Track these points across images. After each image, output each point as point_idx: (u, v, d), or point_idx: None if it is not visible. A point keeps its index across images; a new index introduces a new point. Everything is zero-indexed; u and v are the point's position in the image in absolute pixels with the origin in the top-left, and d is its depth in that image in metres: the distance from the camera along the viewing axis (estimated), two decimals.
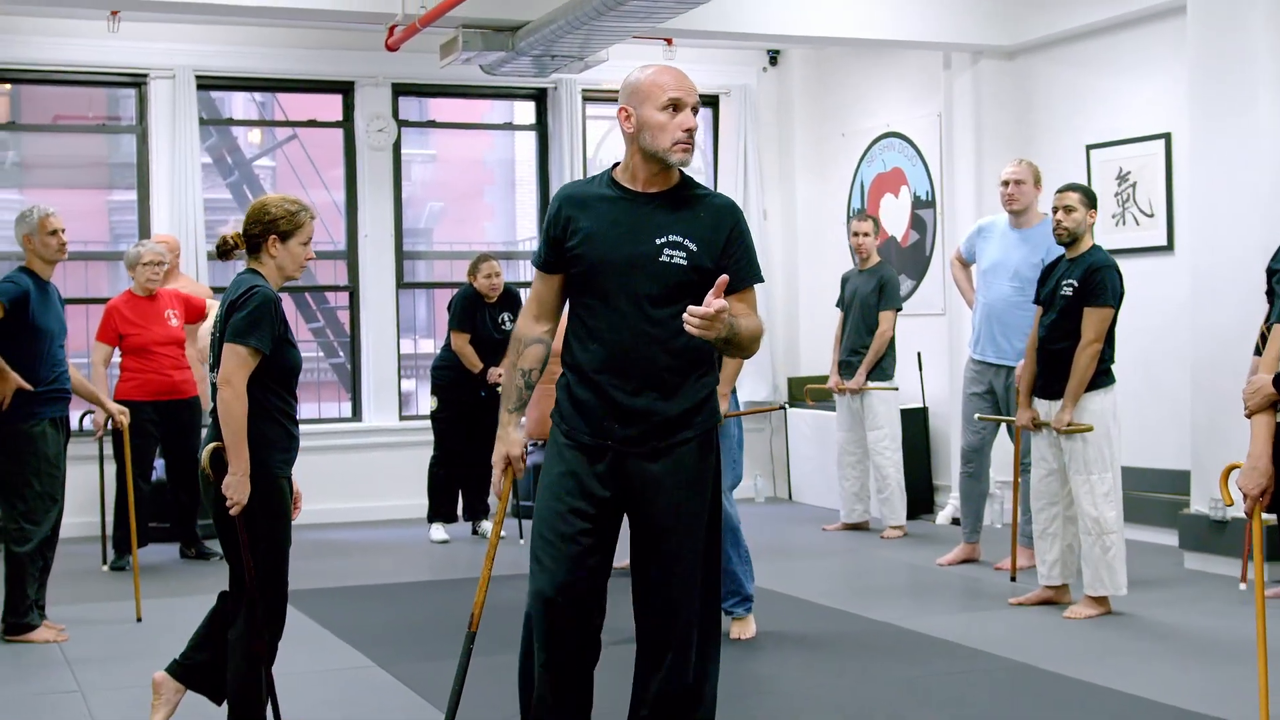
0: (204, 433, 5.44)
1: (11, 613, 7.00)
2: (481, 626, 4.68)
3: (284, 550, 5.08)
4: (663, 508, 4.22)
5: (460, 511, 10.36)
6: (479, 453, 9.87)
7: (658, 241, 4.16)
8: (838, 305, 10.44)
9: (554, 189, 11.97)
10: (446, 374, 10.10)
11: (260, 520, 4.95)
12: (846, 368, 10.14)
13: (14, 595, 7.00)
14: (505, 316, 10.02)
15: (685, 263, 4.15)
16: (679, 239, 4.16)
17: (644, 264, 4.15)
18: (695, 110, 4.19)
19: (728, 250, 4.20)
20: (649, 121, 4.14)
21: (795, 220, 12.56)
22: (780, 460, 12.27)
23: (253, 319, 4.86)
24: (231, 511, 4.85)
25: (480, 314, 10.02)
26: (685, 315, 3.88)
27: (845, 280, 10.40)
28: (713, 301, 3.86)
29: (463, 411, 10.03)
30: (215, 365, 4.98)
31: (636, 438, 4.19)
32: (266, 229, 4.99)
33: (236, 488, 4.84)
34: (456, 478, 10.22)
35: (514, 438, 4.32)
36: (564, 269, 4.27)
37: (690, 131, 4.14)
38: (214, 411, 4.97)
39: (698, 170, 12.27)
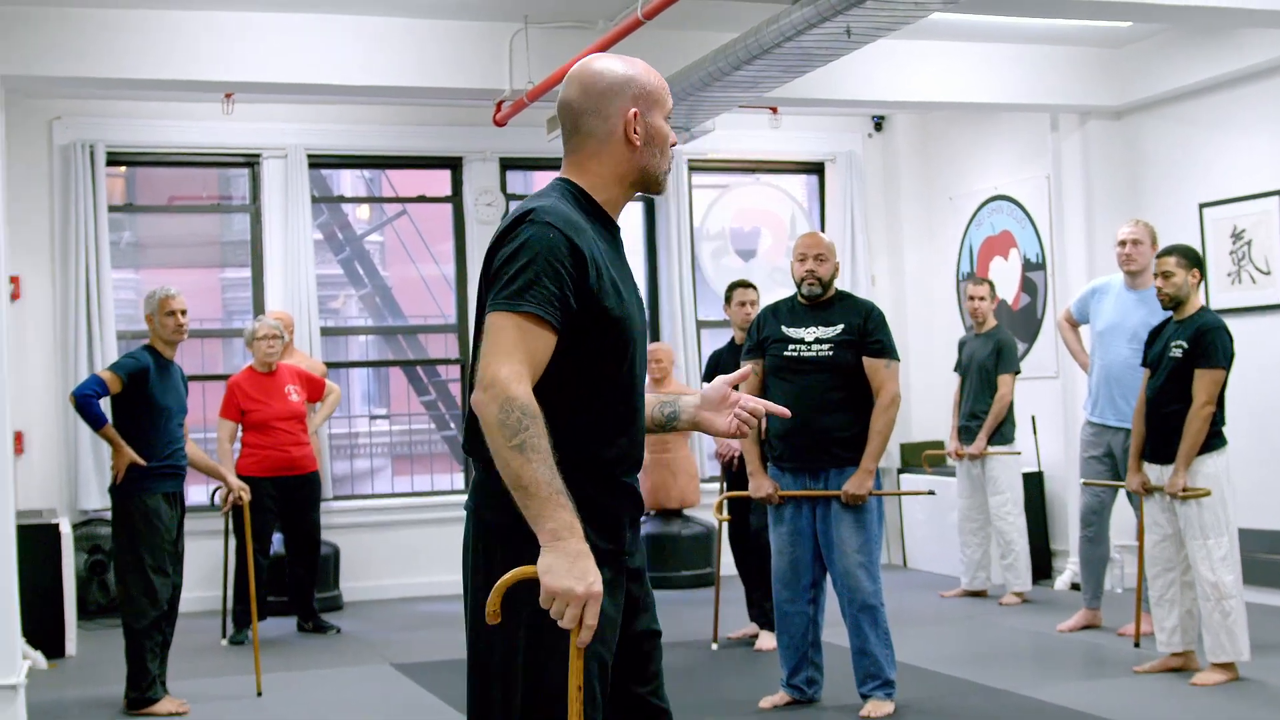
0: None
1: (134, 687, 7.09)
2: None
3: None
4: (652, 620, 3.37)
5: None
6: None
7: (638, 294, 3.30)
8: (955, 370, 10.38)
9: (661, 260, 12.03)
10: None
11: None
12: (966, 433, 10.05)
13: (135, 670, 7.08)
14: None
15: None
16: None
17: (644, 324, 3.28)
18: None
19: None
20: (659, 133, 3.23)
21: (904, 285, 12.51)
22: (894, 526, 12.16)
23: None
24: None
25: None
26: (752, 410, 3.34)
27: (962, 344, 10.34)
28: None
29: None
30: None
31: (635, 543, 3.30)
32: None
33: None
34: None
35: (594, 573, 2.87)
36: (576, 330, 3.04)
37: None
38: None
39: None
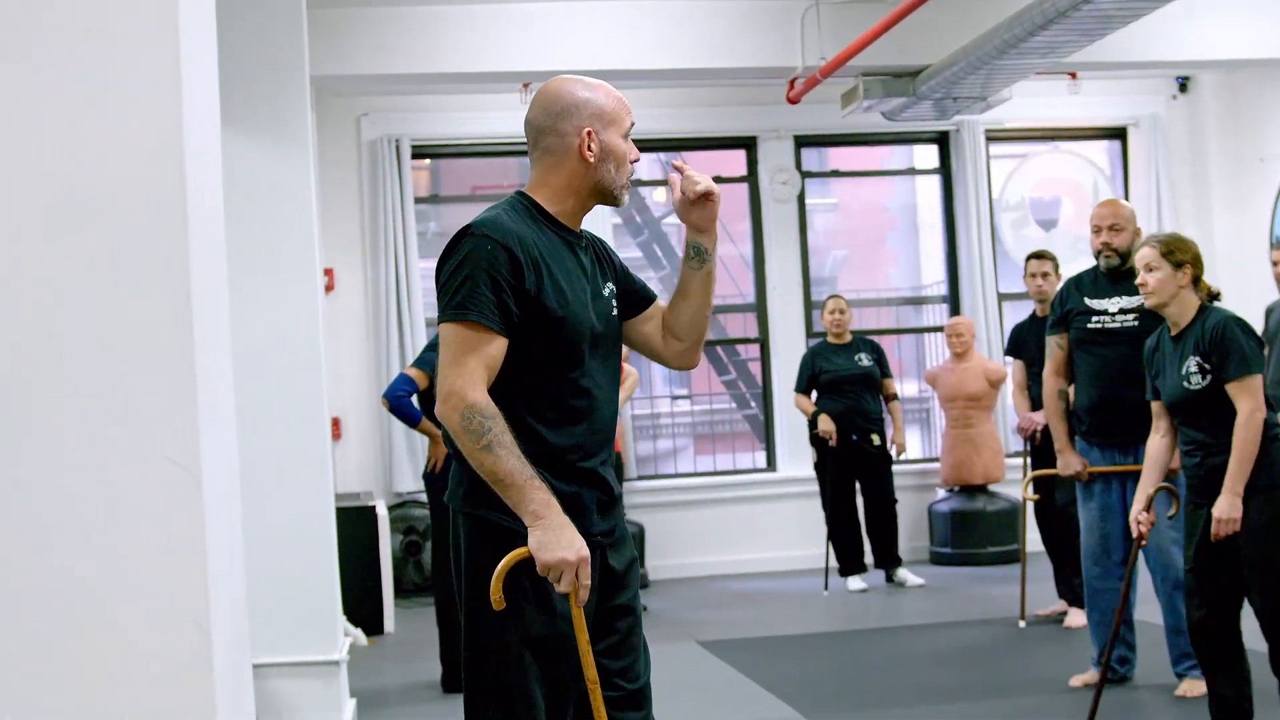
0: None
1: (451, 667, 7.25)
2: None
3: None
4: (630, 598, 3.53)
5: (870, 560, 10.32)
6: (873, 498, 10.03)
7: (605, 293, 3.50)
8: (1263, 337, 9.98)
9: (960, 232, 11.86)
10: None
11: None
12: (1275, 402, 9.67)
13: (451, 650, 7.25)
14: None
15: (616, 313, 3.55)
16: (612, 286, 3.55)
17: (606, 320, 3.47)
18: None
19: (628, 278, 3.66)
20: (614, 150, 3.43)
21: (1213, 252, 12.07)
22: None
23: None
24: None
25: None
26: (690, 176, 3.50)
27: (1269, 312, 9.93)
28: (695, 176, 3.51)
29: (841, 461, 10.00)
30: None
31: (609, 528, 3.48)
32: None
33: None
34: (852, 529, 10.15)
35: (579, 539, 3.20)
36: (523, 331, 3.27)
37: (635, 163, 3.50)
38: None
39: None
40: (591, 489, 3.39)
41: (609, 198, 3.47)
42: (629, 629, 3.52)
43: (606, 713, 3.31)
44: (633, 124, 3.49)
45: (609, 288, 3.52)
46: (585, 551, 3.17)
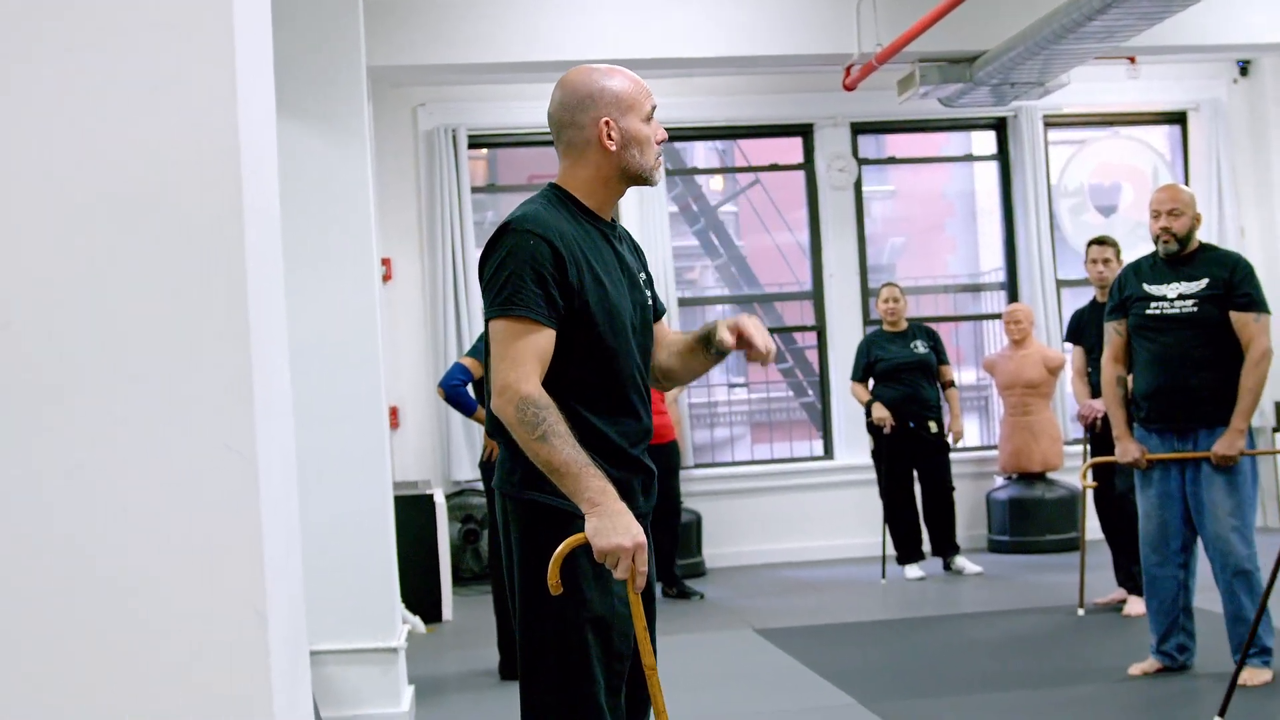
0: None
1: (509, 655, 7.29)
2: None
3: None
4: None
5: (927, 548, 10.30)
6: (931, 486, 10.04)
7: (640, 280, 3.56)
8: None
9: (1019, 219, 11.80)
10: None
11: None
12: None
13: (509, 638, 7.29)
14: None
15: (651, 299, 3.60)
16: (645, 274, 3.61)
17: (644, 308, 3.53)
18: None
19: (651, 284, 3.65)
20: (636, 135, 3.45)
21: (1275, 237, 11.98)
22: (1268, 487, 11.69)
23: None
24: None
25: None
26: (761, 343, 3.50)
27: None
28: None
29: (898, 449, 9.98)
30: None
31: (651, 507, 3.60)
32: None
33: None
34: (909, 517, 10.12)
35: (635, 525, 3.25)
36: (568, 324, 3.34)
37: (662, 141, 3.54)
38: None
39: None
40: (639, 473, 3.47)
41: (640, 180, 3.51)
42: (650, 598, 3.62)
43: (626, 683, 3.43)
44: (654, 106, 3.49)
45: (643, 275, 3.57)
46: (641, 537, 3.21)
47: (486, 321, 3.35)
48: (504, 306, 3.27)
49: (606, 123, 3.42)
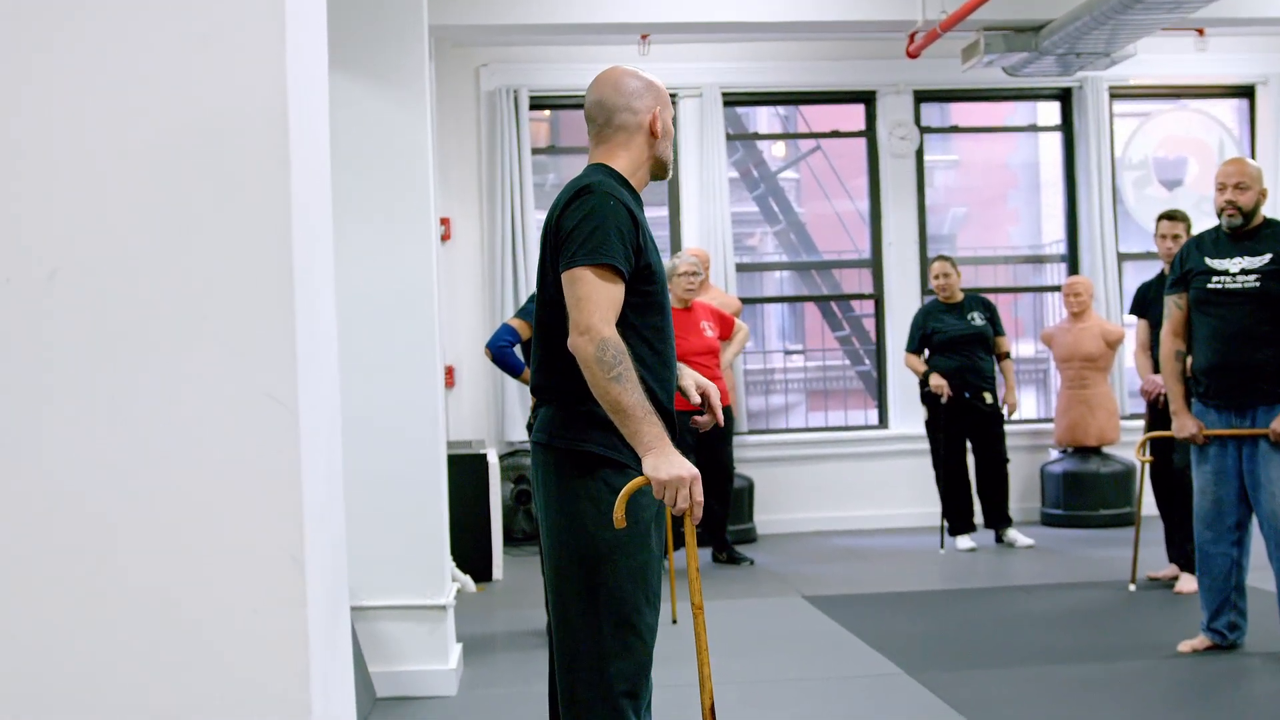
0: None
1: None
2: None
3: None
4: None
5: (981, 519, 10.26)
6: (984, 458, 10.00)
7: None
8: None
9: (1081, 191, 11.70)
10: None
11: None
12: None
13: None
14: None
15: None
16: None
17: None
18: None
19: None
20: (669, 130, 3.84)
21: None
22: None
23: None
24: None
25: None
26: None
27: None
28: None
29: (953, 420, 9.94)
30: None
31: None
32: None
33: None
34: (963, 488, 10.08)
35: (689, 463, 3.50)
36: (631, 282, 3.61)
37: None
38: None
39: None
40: (671, 426, 3.64)
41: (662, 170, 3.86)
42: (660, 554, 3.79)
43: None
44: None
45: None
46: (695, 471, 3.45)
47: (560, 272, 3.56)
48: (591, 255, 3.50)
49: (657, 113, 3.77)
